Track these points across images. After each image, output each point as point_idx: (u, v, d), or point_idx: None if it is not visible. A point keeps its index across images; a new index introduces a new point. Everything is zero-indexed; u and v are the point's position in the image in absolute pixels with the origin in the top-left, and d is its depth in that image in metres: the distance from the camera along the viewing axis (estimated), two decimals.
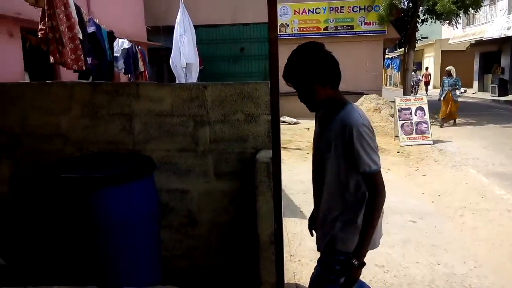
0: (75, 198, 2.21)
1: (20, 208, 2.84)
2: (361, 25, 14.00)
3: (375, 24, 13.94)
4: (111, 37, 6.51)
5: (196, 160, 2.80)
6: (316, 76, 1.79)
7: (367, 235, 1.78)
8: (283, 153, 6.27)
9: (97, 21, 5.92)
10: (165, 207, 2.81)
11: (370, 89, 13.35)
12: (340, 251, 1.89)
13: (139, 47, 8.74)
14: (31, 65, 7.04)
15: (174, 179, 2.82)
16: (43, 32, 3.62)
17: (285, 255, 2.70)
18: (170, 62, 7.66)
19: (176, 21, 7.54)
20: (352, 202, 1.87)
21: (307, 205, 4.44)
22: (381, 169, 1.81)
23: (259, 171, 2.49)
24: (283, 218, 2.43)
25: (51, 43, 3.66)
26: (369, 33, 14.10)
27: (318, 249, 2.03)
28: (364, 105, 11.55)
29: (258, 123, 2.76)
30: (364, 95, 12.40)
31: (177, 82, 7.38)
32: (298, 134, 10.06)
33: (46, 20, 3.60)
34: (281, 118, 9.97)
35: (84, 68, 4.63)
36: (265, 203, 2.50)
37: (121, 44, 7.43)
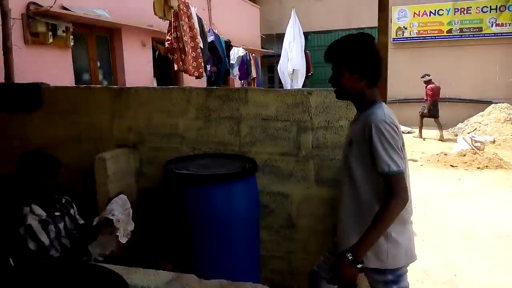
0: (186, 192, 2.43)
1: (141, 198, 3.22)
2: (492, 26, 12.52)
3: (509, 26, 12.34)
4: (228, 45, 6.97)
5: (298, 165, 2.84)
6: (347, 60, 1.71)
7: (371, 234, 1.61)
8: None
9: (216, 31, 6.39)
10: (266, 208, 2.90)
11: (500, 97, 11.87)
12: (377, 269, 1.73)
13: (253, 54, 9.17)
14: (160, 71, 7.92)
15: (275, 182, 2.90)
16: (169, 42, 4.06)
17: None
18: (278, 69, 7.88)
19: (287, 28, 7.73)
20: (372, 207, 1.69)
21: (419, 221, 4.15)
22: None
23: None
24: None
25: (175, 52, 4.09)
26: (501, 36, 12.54)
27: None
28: (493, 115, 10.31)
29: None
30: (493, 104, 11.07)
31: (283, 88, 7.56)
32: (412, 144, 9.42)
33: (172, 31, 4.03)
34: None
35: (204, 75, 5.05)
36: None
37: (236, 52, 7.89)
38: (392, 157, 1.59)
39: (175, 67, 4.19)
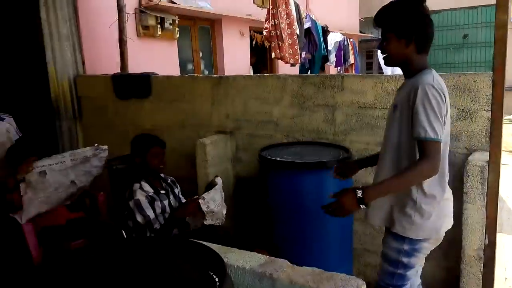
0: (279, 179, 2.46)
1: (237, 183, 3.35)
2: None
3: None
4: (325, 31, 6.80)
5: None
6: (393, 25, 1.64)
7: (389, 183, 1.60)
8: (505, 157, 5.28)
9: (313, 17, 6.28)
10: None
11: None
12: (397, 234, 1.73)
13: (351, 39, 8.83)
14: (255, 60, 8.09)
15: (372, 173, 2.77)
16: (267, 30, 4.10)
17: (498, 276, 2.31)
18: (378, 54, 7.46)
19: None
20: None
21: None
22: None
23: (471, 175, 2.20)
24: (499, 234, 2.08)
25: (273, 39, 4.12)
26: None
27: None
28: None
29: (474, 120, 2.42)
30: None
31: (383, 73, 7.16)
32: None
33: (270, 19, 4.06)
34: (507, 117, 8.39)
35: (299, 62, 5.02)
36: (474, 212, 2.20)
37: (333, 38, 7.68)
38: (432, 124, 1.52)
39: (273, 54, 4.24)
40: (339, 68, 8.27)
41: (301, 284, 1.21)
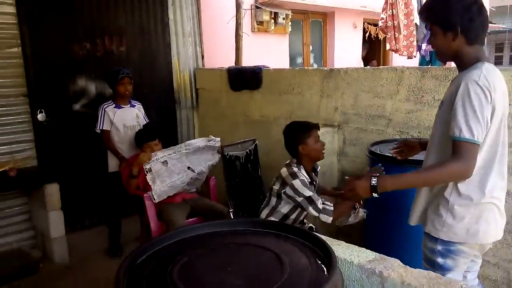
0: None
1: (342, 177, 3.28)
2: None
3: None
4: None
5: None
6: (437, 17, 1.52)
7: (410, 177, 1.56)
8: None
9: None
10: None
11: None
12: (429, 234, 1.65)
13: None
14: (367, 53, 7.78)
15: None
16: (384, 20, 3.90)
17: None
18: None
19: None
20: None
21: None
22: None
23: None
24: None
25: (389, 30, 3.91)
26: None
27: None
28: None
29: None
30: None
31: None
32: None
33: (388, 8, 3.86)
34: None
35: (415, 55, 4.68)
36: None
37: None
38: (469, 123, 1.41)
39: (387, 46, 4.02)
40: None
41: (414, 287, 1.13)
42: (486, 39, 1.74)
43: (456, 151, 1.45)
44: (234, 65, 4.46)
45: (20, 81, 3.42)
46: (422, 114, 2.79)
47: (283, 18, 5.65)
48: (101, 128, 3.36)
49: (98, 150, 3.58)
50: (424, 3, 1.64)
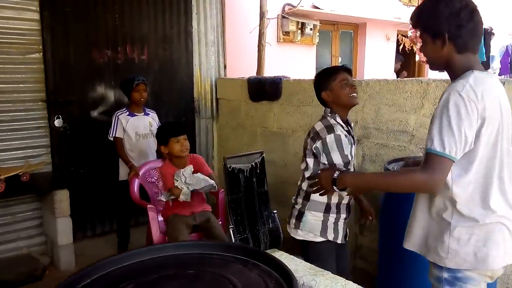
0: (404, 197, 2.11)
1: None
2: None
3: None
4: (489, 34, 5.85)
5: None
6: (425, 24, 1.43)
7: (371, 178, 1.59)
8: None
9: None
10: None
11: None
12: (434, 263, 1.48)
13: None
14: (402, 66, 7.47)
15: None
16: (414, 30, 3.65)
17: None
18: None
19: None
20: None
21: None
22: None
23: None
24: None
25: (419, 41, 3.64)
26: None
27: None
28: None
29: None
30: None
31: None
32: None
33: None
34: None
35: None
36: None
37: (499, 41, 6.56)
38: (442, 136, 1.30)
39: (417, 57, 3.77)
40: (504, 76, 7.03)
41: None
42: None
43: (425, 162, 1.36)
44: (255, 75, 4.35)
45: (39, 86, 3.46)
46: None
47: (311, 29, 5.51)
48: (113, 135, 3.33)
49: (112, 158, 3.55)
50: (414, 9, 1.55)
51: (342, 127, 2.03)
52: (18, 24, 3.28)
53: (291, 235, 2.06)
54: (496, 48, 6.52)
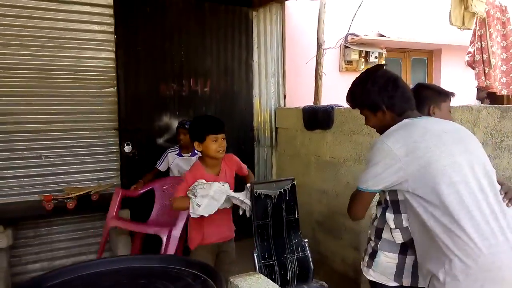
0: None
1: None
2: None
3: None
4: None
5: None
6: (361, 103, 1.68)
7: None
8: None
9: None
10: None
11: None
12: None
13: None
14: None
15: None
16: (471, 54, 3.43)
17: None
18: None
19: None
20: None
21: None
22: None
23: None
24: None
25: (477, 65, 3.41)
26: None
27: None
28: None
29: None
30: None
31: None
32: None
33: (476, 41, 3.39)
34: None
35: None
36: None
37: None
38: (366, 175, 1.59)
39: (476, 83, 3.49)
40: None
41: None
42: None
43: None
44: (312, 104, 4.39)
45: (113, 116, 3.91)
46: (502, 162, 2.31)
47: (376, 57, 5.41)
48: (158, 166, 3.74)
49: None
50: (347, 93, 1.74)
51: None
52: (96, 62, 3.80)
53: (363, 273, 1.81)
54: None
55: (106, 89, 3.87)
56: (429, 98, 1.91)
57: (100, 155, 3.86)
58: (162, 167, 3.71)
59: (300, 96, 4.81)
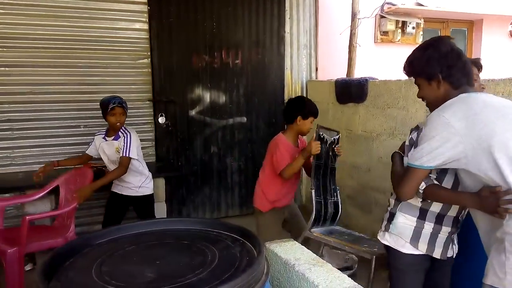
0: None
1: None
2: None
3: None
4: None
5: None
6: (418, 70, 1.60)
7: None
8: None
9: None
10: None
11: None
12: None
13: None
14: None
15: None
16: None
17: None
18: None
19: None
20: None
21: None
22: None
23: None
24: None
25: None
26: None
27: None
28: None
29: None
30: None
31: None
32: None
33: None
34: None
35: None
36: None
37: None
38: (420, 151, 1.48)
39: None
40: None
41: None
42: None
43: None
44: (345, 77, 4.31)
45: (147, 88, 3.98)
46: None
47: (413, 27, 5.20)
48: (86, 151, 3.13)
49: (207, 152, 3.93)
50: (405, 60, 1.67)
51: None
52: (130, 33, 3.85)
53: (379, 238, 1.83)
54: None
55: (141, 61, 3.93)
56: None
57: (135, 125, 3.95)
58: (90, 151, 3.09)
59: (333, 69, 4.72)
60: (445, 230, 1.71)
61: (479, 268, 1.44)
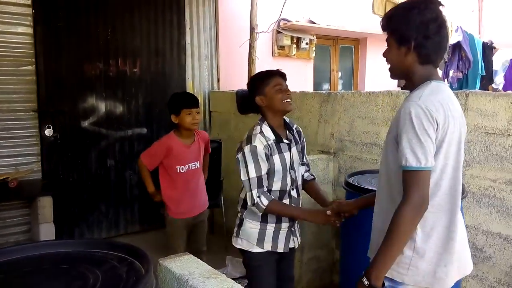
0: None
1: None
2: None
3: None
4: (489, 47, 5.76)
5: None
6: (393, 29, 1.43)
7: (384, 252, 1.33)
8: None
9: (468, 31, 5.40)
10: (479, 252, 2.19)
11: None
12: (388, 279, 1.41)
13: None
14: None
15: (496, 219, 2.13)
16: None
17: None
18: None
19: None
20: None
21: None
22: None
23: None
24: None
25: None
26: None
27: None
28: None
29: None
30: None
31: None
32: None
33: None
34: None
35: (445, 80, 4.35)
36: None
37: (502, 56, 6.45)
38: (414, 150, 1.29)
39: None
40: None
41: None
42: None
43: (405, 183, 1.31)
44: (246, 88, 4.41)
45: (31, 97, 3.61)
46: None
47: (306, 43, 5.56)
48: None
49: (103, 166, 3.67)
50: (387, 12, 1.56)
51: (266, 136, 1.98)
52: (11, 38, 3.46)
53: (233, 244, 2.01)
54: (499, 62, 6.41)
55: (24, 67, 3.55)
56: (254, 90, 2.12)
57: (17, 139, 3.56)
58: None
59: (234, 80, 4.81)
60: (285, 226, 1.98)
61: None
